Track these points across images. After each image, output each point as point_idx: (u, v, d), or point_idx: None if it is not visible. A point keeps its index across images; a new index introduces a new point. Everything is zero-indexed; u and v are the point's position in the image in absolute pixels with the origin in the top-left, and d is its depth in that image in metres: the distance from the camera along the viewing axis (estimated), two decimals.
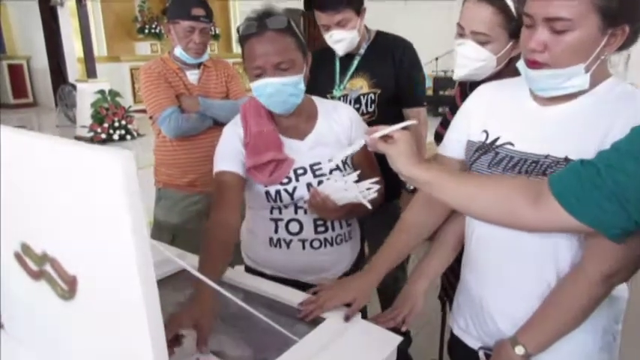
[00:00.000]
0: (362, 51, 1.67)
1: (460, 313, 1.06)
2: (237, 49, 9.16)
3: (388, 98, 1.66)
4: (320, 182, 1.16)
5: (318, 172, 1.18)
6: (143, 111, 6.75)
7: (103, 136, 4.85)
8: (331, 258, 1.22)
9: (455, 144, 1.02)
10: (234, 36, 9.17)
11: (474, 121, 0.98)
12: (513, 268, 0.91)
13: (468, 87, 1.28)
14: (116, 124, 4.91)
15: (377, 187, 1.08)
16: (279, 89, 1.11)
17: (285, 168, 1.14)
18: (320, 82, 1.70)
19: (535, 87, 0.85)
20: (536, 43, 0.79)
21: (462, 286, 1.06)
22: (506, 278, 0.93)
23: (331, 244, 1.20)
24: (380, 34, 1.72)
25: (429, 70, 10.04)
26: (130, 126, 5.04)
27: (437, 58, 10.03)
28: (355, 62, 1.67)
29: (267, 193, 1.16)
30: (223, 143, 1.21)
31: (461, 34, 1.15)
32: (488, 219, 0.84)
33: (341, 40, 1.60)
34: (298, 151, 1.17)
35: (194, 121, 1.85)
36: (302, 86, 1.14)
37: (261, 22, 1.08)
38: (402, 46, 1.69)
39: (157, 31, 7.86)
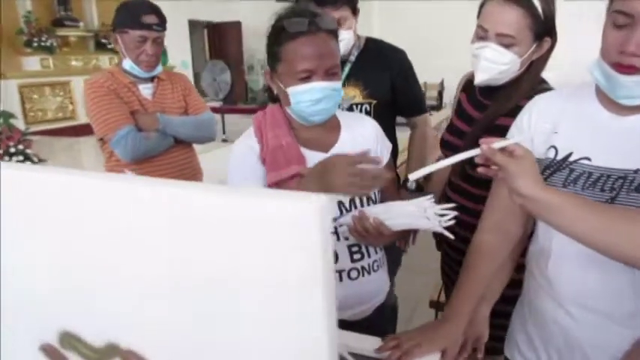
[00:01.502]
0: (352, 58, 1.57)
1: (530, 346, 0.96)
2: None
3: (384, 109, 1.57)
4: (352, 201, 1.04)
5: None
6: (41, 133, 6.00)
7: None
8: (370, 288, 1.10)
9: None
10: None
11: (536, 136, 0.91)
12: (606, 290, 0.82)
13: (477, 92, 1.25)
14: (12, 150, 4.26)
15: (454, 213, 0.95)
16: (329, 95, 0.99)
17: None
18: None
19: (621, 94, 0.77)
20: (638, 46, 0.71)
21: (530, 313, 0.96)
22: (597, 302, 0.83)
23: (369, 273, 1.08)
24: (370, 41, 1.63)
25: None
26: (28, 151, 4.42)
27: None
28: (346, 69, 1.57)
29: None
30: (237, 161, 1.05)
31: (482, 37, 1.11)
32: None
33: (340, 40, 1.48)
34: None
35: (154, 140, 1.63)
36: (342, 94, 1.05)
37: (312, 20, 0.95)
38: (396, 54, 1.62)
39: (48, 44, 7.09)
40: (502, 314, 1.06)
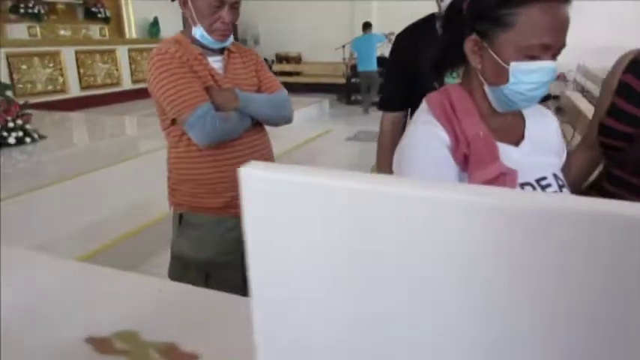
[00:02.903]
0: None
1: None
2: (130, 34, 8.16)
3: None
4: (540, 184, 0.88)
5: (549, 190, 0.88)
6: (38, 106, 5.64)
7: None
8: None
9: None
10: (127, 19, 8.14)
11: None
12: None
13: None
14: (10, 125, 3.94)
15: None
16: (551, 80, 0.81)
17: (512, 183, 0.82)
18: (424, 67, 1.40)
19: None
20: None
21: None
22: None
23: None
24: None
25: (339, 58, 10.00)
26: (28, 126, 4.10)
27: (344, 46, 10.01)
28: None
29: None
30: (423, 151, 0.85)
31: None
32: None
33: None
34: (514, 160, 0.86)
35: (234, 121, 1.42)
36: None
37: None
38: None
39: (36, 10, 6.63)
40: None
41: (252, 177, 0.32)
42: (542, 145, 0.93)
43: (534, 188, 0.87)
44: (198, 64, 1.43)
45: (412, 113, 1.53)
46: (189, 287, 1.02)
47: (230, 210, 1.49)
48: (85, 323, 0.78)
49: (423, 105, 0.92)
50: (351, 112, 8.62)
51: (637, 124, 1.07)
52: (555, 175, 0.91)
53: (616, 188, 1.12)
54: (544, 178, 0.88)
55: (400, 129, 1.54)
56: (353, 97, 9.54)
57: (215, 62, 1.49)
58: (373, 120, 7.83)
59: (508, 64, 0.80)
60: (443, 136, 0.85)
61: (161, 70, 1.37)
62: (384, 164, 1.56)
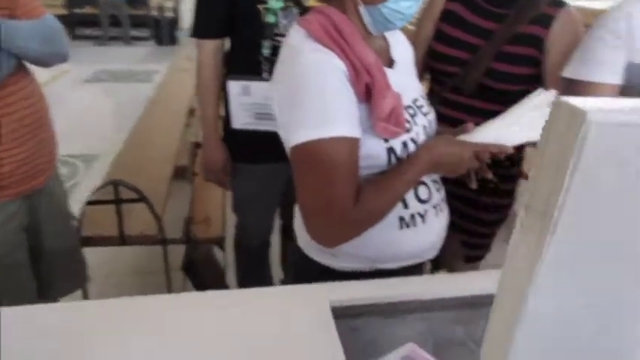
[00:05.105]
0: None
1: None
2: None
3: None
4: (429, 123, 0.89)
5: (423, 110, 0.88)
6: None
7: None
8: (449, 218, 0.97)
9: (609, 68, 0.94)
10: None
11: (638, 41, 0.92)
12: None
13: (481, 0, 1.14)
14: None
15: None
16: None
17: (401, 108, 0.79)
18: None
19: None
20: None
21: None
22: None
23: (444, 204, 0.95)
24: None
25: None
26: None
27: None
28: None
29: (391, 150, 0.79)
30: (327, 85, 0.73)
31: None
32: None
33: None
34: (393, 83, 0.81)
35: None
36: None
37: None
38: None
39: None
40: None
41: None
42: (407, 67, 0.91)
43: (413, 110, 0.86)
44: None
45: (232, 42, 1.33)
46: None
47: (8, 190, 1.06)
48: None
49: (298, 30, 0.79)
50: (80, 49, 7.36)
51: (467, 48, 1.14)
52: (422, 96, 0.92)
53: (457, 112, 1.18)
54: (417, 99, 0.88)
55: (221, 59, 1.33)
56: (78, 32, 8.14)
57: None
58: (110, 57, 6.92)
59: None
60: (339, 65, 0.75)
61: None
62: (209, 102, 1.34)
